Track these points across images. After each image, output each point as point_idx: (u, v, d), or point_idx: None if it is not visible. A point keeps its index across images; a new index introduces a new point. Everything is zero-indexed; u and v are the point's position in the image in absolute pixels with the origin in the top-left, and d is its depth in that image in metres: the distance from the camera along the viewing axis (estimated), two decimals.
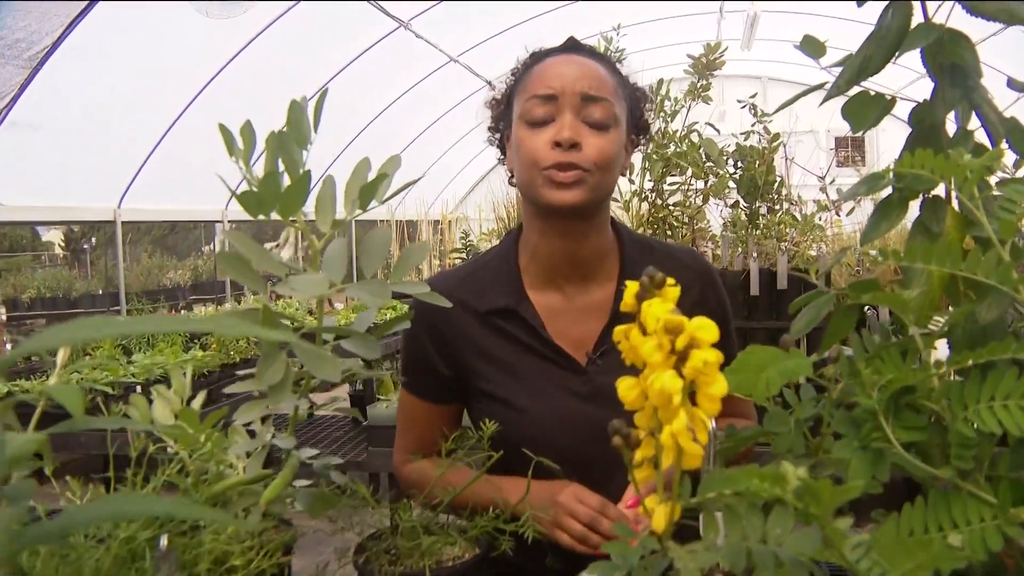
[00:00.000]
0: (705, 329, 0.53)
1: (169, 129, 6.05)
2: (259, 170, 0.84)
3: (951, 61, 0.81)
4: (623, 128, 1.19)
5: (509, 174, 1.27)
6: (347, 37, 6.70)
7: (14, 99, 4.69)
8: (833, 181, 3.25)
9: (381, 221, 8.54)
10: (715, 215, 3.24)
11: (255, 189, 0.83)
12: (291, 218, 0.85)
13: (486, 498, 1.05)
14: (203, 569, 0.91)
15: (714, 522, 0.57)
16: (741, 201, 3.09)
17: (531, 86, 1.18)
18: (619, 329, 0.59)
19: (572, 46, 1.25)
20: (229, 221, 7.14)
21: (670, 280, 0.58)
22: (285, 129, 0.85)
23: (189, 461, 1.05)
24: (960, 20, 0.84)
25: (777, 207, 3.07)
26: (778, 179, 3.06)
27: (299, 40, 6.22)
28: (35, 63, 4.56)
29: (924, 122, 0.86)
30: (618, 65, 1.27)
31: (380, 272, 0.93)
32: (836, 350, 0.85)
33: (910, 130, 0.88)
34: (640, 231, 2.57)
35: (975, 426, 0.60)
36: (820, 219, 3.09)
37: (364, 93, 7.67)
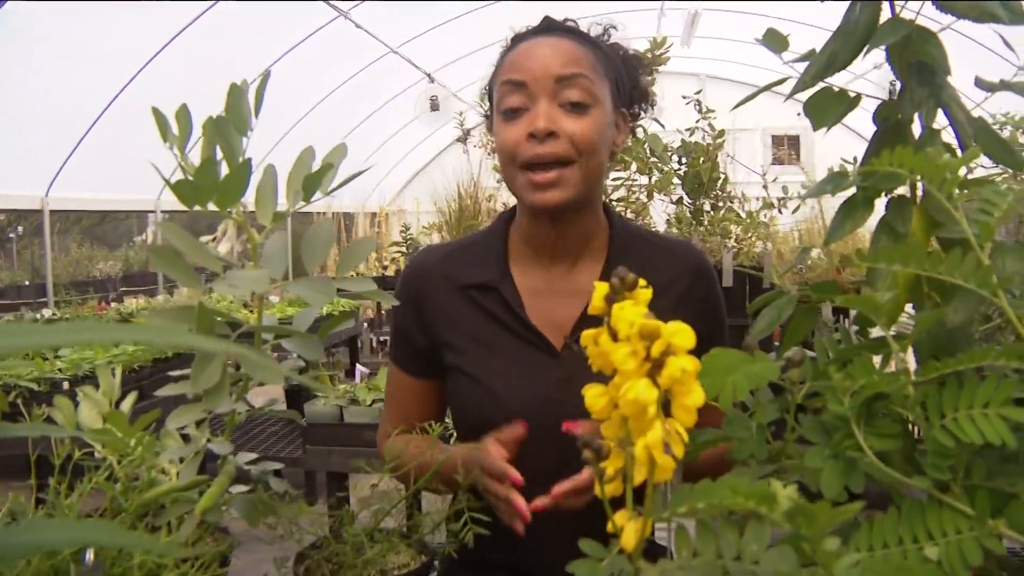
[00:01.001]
0: (681, 335, 0.50)
1: (100, 116, 5.82)
2: (196, 158, 0.78)
3: (918, 59, 0.79)
4: (607, 105, 1.14)
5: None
6: (286, 26, 6.53)
7: None
8: (776, 179, 3.27)
9: (318, 214, 8.40)
10: (659, 211, 3.23)
11: (190, 178, 0.77)
12: (229, 209, 0.79)
13: (443, 471, 1.03)
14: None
15: (687, 538, 0.54)
16: (685, 197, 3.10)
17: (503, 73, 1.14)
18: (587, 334, 0.55)
19: (546, 26, 1.20)
20: (162, 211, 6.92)
21: (642, 281, 0.54)
22: (223, 114, 0.79)
23: (118, 467, 0.98)
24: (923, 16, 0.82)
25: (720, 204, 3.08)
26: (722, 176, 3.07)
27: (237, 27, 6.04)
28: None
29: (889, 120, 0.84)
30: (604, 35, 1.23)
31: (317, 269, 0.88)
32: (799, 353, 0.83)
33: (875, 128, 0.86)
34: None
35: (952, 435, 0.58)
36: (765, 216, 3.11)
37: (302, 83, 7.50)
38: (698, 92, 3.08)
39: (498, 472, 0.98)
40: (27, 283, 8.84)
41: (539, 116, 1.08)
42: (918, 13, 0.76)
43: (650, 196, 2.99)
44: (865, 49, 0.79)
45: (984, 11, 0.74)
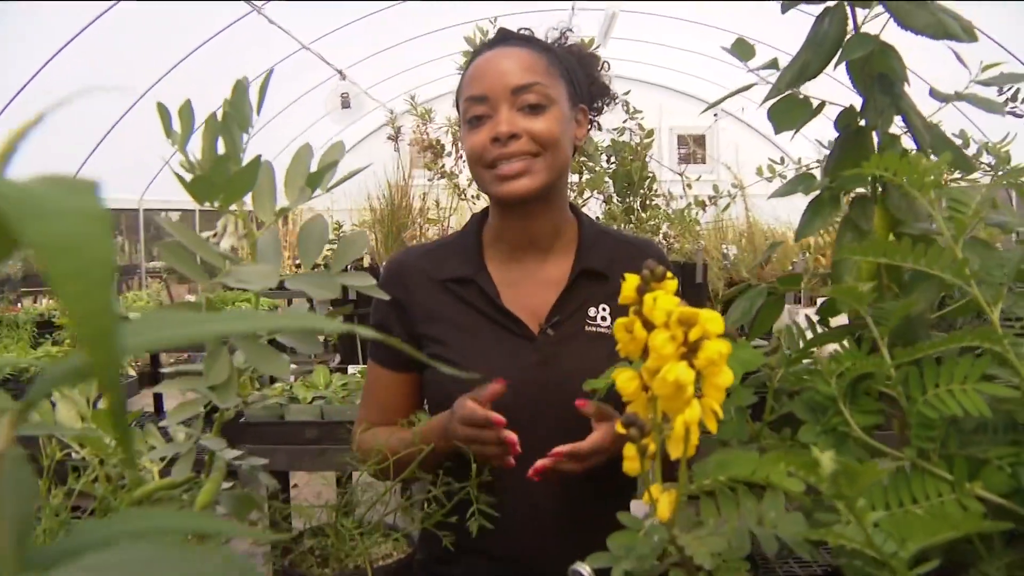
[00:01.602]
0: (714, 321, 0.55)
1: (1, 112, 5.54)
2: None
3: (880, 71, 0.86)
4: (563, 103, 1.21)
5: None
6: (198, 20, 6.37)
7: None
8: (697, 182, 3.40)
9: (230, 211, 8.20)
10: (592, 210, 3.32)
11: (186, 176, 0.78)
12: (232, 207, 0.80)
13: (405, 446, 1.08)
14: None
15: (713, 507, 0.59)
16: (615, 196, 3.18)
17: (466, 87, 1.22)
18: (620, 322, 0.60)
19: (502, 38, 1.28)
20: None
21: (669, 273, 0.59)
22: (228, 111, 0.80)
23: (99, 467, 0.98)
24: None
25: (649, 202, 3.18)
26: (650, 175, 3.17)
27: (147, 22, 5.84)
28: None
29: (850, 127, 0.92)
30: (561, 38, 1.31)
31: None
32: (776, 342, 0.89)
33: (837, 134, 0.94)
34: None
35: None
36: (696, 213, 3.23)
37: (213, 78, 7.31)
38: (626, 92, 3.17)
39: (480, 419, 1.03)
40: None
41: (500, 122, 1.17)
42: (883, 28, 0.84)
43: (581, 194, 3.07)
44: (835, 60, 0.86)
45: (941, 29, 0.81)
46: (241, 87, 0.81)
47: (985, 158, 2.08)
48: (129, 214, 9.52)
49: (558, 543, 1.10)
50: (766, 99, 0.90)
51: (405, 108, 3.65)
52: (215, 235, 0.79)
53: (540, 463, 1.04)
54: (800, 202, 0.98)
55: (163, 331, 0.31)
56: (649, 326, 0.58)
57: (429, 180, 3.42)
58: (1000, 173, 2.09)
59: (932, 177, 0.66)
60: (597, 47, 3.01)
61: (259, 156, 0.78)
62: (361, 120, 9.91)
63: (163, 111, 0.78)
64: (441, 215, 3.39)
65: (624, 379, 0.59)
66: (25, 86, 5.52)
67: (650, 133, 3.16)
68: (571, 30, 1.34)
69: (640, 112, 3.17)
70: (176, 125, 0.80)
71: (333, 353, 3.42)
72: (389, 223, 3.00)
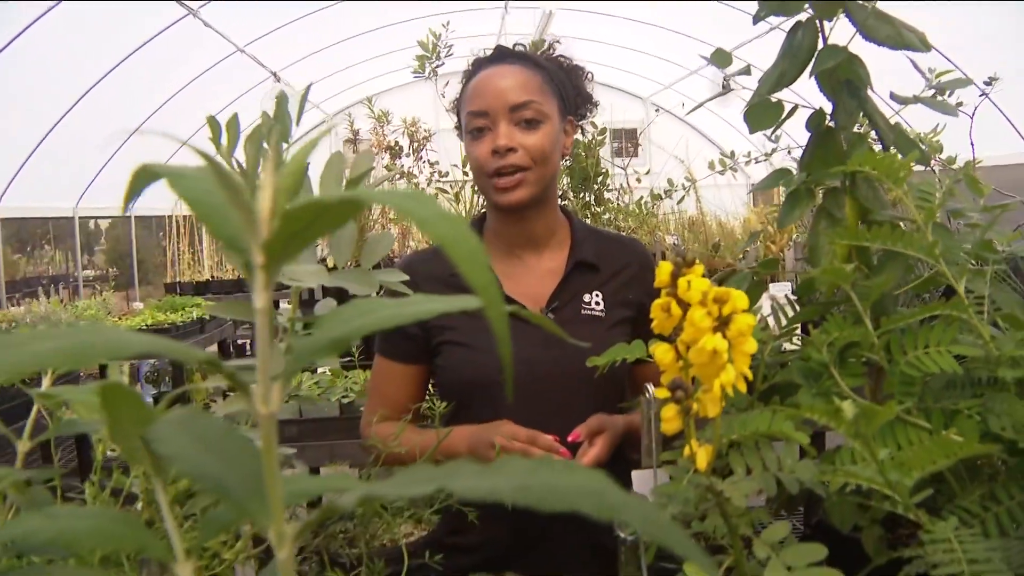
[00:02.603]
0: (741, 298, 0.65)
1: None
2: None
3: (847, 77, 0.98)
4: (555, 118, 1.35)
5: None
6: (134, 24, 6.27)
7: None
8: (647, 174, 3.54)
9: (167, 216, 8.10)
10: None
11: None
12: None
13: (440, 454, 1.16)
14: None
15: (741, 459, 0.69)
16: (570, 192, 3.30)
17: (468, 103, 1.35)
18: (658, 303, 0.69)
19: (499, 55, 1.40)
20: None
21: (698, 260, 0.69)
22: (270, 124, 0.87)
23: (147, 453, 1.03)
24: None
25: (602, 197, 3.30)
26: (604, 171, 3.29)
27: (80, 25, 5.74)
28: None
29: (820, 127, 1.03)
30: (550, 50, 1.44)
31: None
32: (764, 320, 1.00)
33: (809, 134, 1.05)
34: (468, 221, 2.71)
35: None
36: (653, 206, 3.37)
37: (149, 82, 7.22)
38: None
39: (526, 435, 1.16)
40: None
41: (499, 136, 1.30)
42: (851, 39, 0.95)
43: None
44: (809, 69, 0.97)
45: (901, 40, 0.93)
46: (283, 101, 0.88)
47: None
48: (61, 222, 9.27)
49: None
50: (748, 104, 1.01)
51: (343, 106, 3.69)
52: None
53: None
54: (729, 194, 1.10)
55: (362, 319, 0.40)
56: (683, 305, 0.67)
57: (389, 181, 3.48)
58: (939, 162, 2.26)
59: (903, 172, 0.77)
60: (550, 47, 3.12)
61: (307, 164, 0.85)
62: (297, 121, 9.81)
63: (213, 124, 0.85)
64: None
65: (661, 351, 0.69)
66: None
67: (603, 131, 3.28)
68: (559, 41, 1.46)
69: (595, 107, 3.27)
70: (223, 138, 0.87)
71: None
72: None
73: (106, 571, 0.55)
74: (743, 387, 0.66)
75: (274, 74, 9.45)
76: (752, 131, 1.11)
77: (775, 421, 0.67)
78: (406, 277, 0.96)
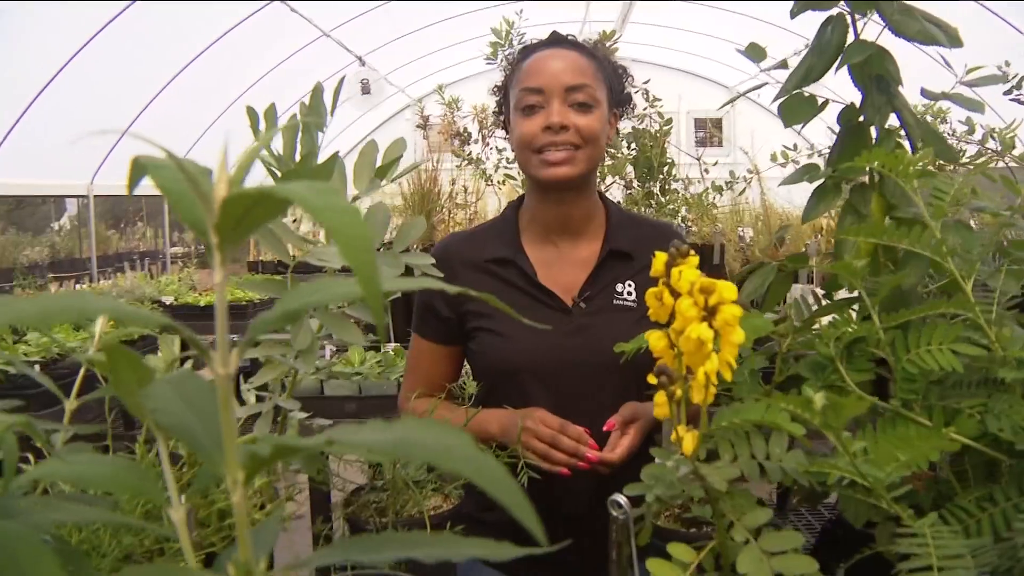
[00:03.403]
0: (728, 289, 0.67)
1: (31, 103, 5.71)
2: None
3: (877, 73, 0.98)
4: (604, 106, 1.37)
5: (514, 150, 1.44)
6: (222, 10, 6.51)
7: None
8: (714, 165, 3.51)
9: None
10: (612, 195, 3.44)
11: (276, 171, 0.91)
12: None
13: (471, 430, 1.19)
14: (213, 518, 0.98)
15: (728, 446, 0.71)
16: (635, 182, 3.30)
17: (523, 80, 1.36)
18: (651, 292, 0.72)
19: (555, 40, 1.43)
20: (95, 195, 6.82)
21: (692, 251, 0.71)
22: (306, 114, 0.93)
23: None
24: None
25: (668, 187, 3.29)
26: (669, 160, 3.28)
27: (171, 12, 5.98)
28: None
29: (851, 122, 1.03)
30: (598, 49, 1.46)
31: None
32: (786, 311, 1.01)
33: (839, 128, 1.05)
34: None
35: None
36: (713, 198, 3.35)
37: (235, 67, 7.47)
38: (646, 82, 3.28)
39: (557, 423, 1.21)
40: None
41: (554, 113, 1.32)
42: (879, 34, 0.95)
43: (604, 180, 3.19)
44: (836, 64, 0.97)
45: (928, 36, 0.93)
46: (318, 92, 0.94)
47: (991, 144, 2.18)
48: (153, 200, 9.67)
49: (592, 487, 1.24)
50: (775, 99, 1.02)
51: (424, 93, 3.76)
52: (295, 220, 0.90)
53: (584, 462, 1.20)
54: (800, 188, 1.10)
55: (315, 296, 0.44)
56: (675, 294, 0.70)
57: (458, 167, 3.55)
58: (1005, 156, 2.19)
59: (914, 168, 0.77)
60: (615, 33, 3.13)
61: (336, 153, 0.90)
62: (381, 105, 9.99)
63: (252, 113, 0.91)
64: (468, 200, 3.52)
65: (655, 338, 0.71)
66: (55, 77, 5.68)
67: (668, 121, 3.27)
68: (600, 40, 1.49)
69: (660, 100, 3.28)
70: (262, 125, 0.93)
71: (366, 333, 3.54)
72: (419, 208, 3.13)
73: (113, 511, 0.61)
74: (728, 375, 0.68)
75: (359, 58, 9.62)
76: (787, 125, 1.11)
77: (768, 412, 0.69)
78: (432, 260, 1.01)
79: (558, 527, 1.32)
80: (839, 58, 0.96)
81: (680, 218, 3.22)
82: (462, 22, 9.26)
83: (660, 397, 0.70)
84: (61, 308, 0.35)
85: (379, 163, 0.97)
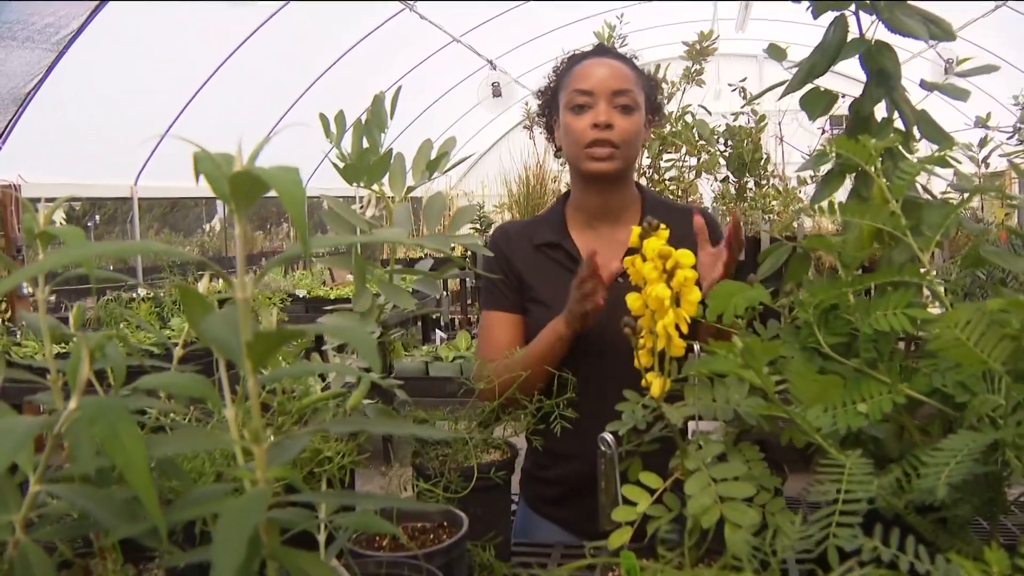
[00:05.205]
0: (685, 256, 0.80)
1: (183, 111, 6.27)
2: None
3: (878, 66, 1.06)
4: (642, 112, 1.57)
5: (556, 148, 1.68)
6: (353, 19, 6.92)
7: (40, 81, 4.91)
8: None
9: (389, 197, 8.80)
10: (707, 189, 3.51)
11: (339, 164, 1.10)
12: (372, 185, 1.11)
13: (546, 342, 1.46)
14: (305, 459, 1.17)
15: (693, 390, 0.84)
16: (730, 176, 3.36)
17: (573, 83, 1.56)
18: (628, 259, 0.85)
19: (601, 51, 1.64)
20: None
21: (663, 225, 0.84)
22: (368, 117, 1.11)
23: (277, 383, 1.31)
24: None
25: (763, 182, 3.34)
26: (764, 156, 3.33)
27: (307, 23, 6.43)
28: (61, 46, 4.78)
29: (860, 113, 1.12)
30: (636, 62, 1.66)
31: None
32: (791, 286, 1.12)
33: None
34: None
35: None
36: (802, 192, 3.37)
37: (369, 73, 7.89)
38: (742, 80, 3.33)
39: (585, 268, 1.37)
40: (111, 268, 9.35)
41: (601, 112, 1.52)
42: (874, 32, 1.04)
43: (698, 175, 3.28)
44: (837, 60, 1.06)
45: (924, 31, 1.01)
46: (378, 100, 1.12)
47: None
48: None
49: None
50: (783, 94, 1.12)
51: None
52: (362, 208, 1.07)
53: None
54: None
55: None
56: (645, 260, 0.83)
57: (562, 165, 3.71)
58: None
59: (874, 153, 0.87)
60: (712, 32, 3.20)
61: (391, 149, 1.08)
62: (513, 108, 10.21)
63: (324, 119, 1.10)
64: None
65: (632, 299, 0.85)
66: (213, 74, 6.21)
67: (762, 118, 3.32)
68: (636, 56, 1.69)
69: (756, 99, 3.30)
70: (332, 127, 1.11)
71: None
72: (525, 204, 3.32)
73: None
74: (685, 328, 0.81)
75: (490, 62, 9.90)
76: (811, 118, 1.21)
77: (730, 364, 0.81)
78: (478, 239, 1.17)
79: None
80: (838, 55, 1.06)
81: (774, 211, 3.26)
82: (588, 25, 9.40)
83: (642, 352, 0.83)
84: (102, 251, 0.53)
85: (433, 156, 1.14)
